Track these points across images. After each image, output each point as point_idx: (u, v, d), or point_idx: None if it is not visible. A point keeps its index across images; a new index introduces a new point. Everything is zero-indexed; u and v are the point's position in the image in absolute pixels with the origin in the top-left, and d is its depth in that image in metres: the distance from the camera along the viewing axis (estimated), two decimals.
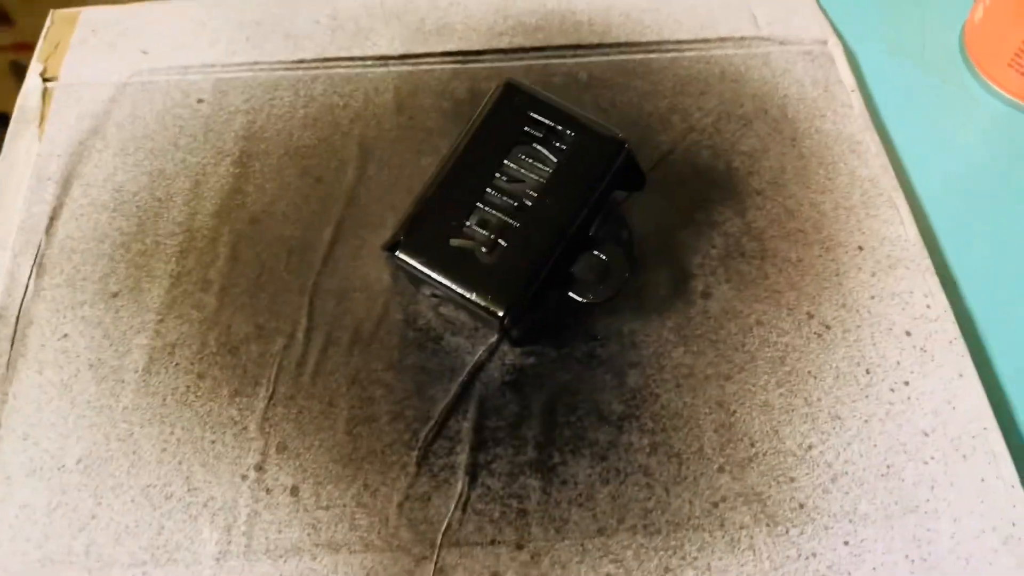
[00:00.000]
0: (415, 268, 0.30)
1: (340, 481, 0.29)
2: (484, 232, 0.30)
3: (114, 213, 0.35)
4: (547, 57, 0.40)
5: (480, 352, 0.32)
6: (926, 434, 0.30)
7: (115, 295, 0.33)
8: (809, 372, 0.32)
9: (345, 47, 0.40)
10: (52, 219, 0.35)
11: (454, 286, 0.29)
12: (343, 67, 0.40)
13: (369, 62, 0.40)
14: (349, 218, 0.35)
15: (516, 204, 0.30)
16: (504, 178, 0.30)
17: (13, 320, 0.32)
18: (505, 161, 0.31)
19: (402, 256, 0.30)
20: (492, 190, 0.30)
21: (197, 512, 0.28)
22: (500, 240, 0.29)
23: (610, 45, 0.41)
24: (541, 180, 0.30)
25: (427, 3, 0.42)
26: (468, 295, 0.29)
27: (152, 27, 0.41)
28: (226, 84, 0.39)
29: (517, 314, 0.29)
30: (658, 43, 0.41)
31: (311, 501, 0.29)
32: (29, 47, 0.40)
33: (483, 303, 0.29)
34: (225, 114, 0.38)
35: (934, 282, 0.34)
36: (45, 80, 0.39)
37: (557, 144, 0.31)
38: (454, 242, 0.29)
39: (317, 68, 0.40)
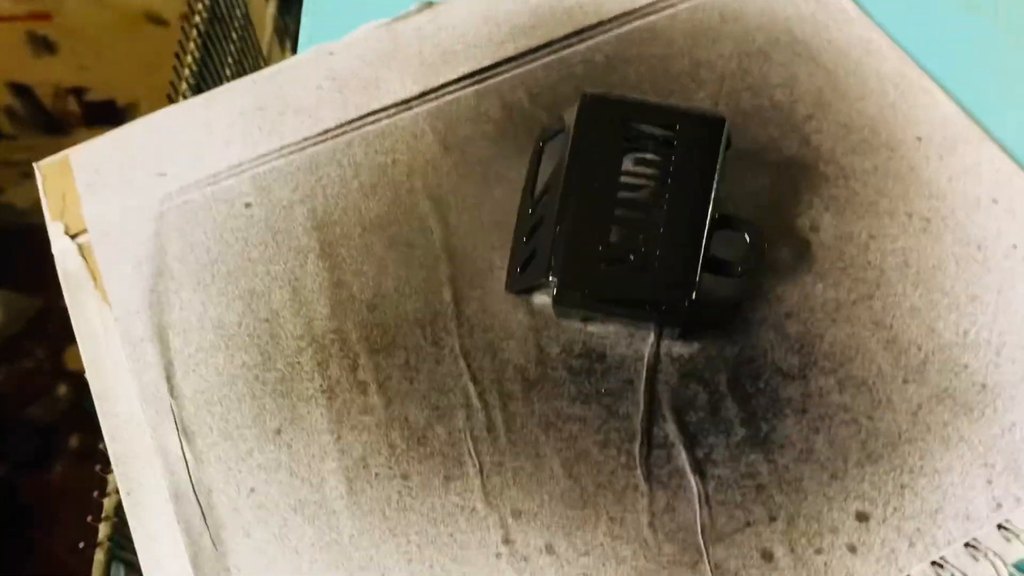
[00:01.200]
0: (586, 304, 0.31)
1: (586, 523, 0.30)
2: (630, 245, 0.30)
3: (229, 350, 0.34)
4: (557, 51, 0.40)
5: (647, 355, 0.33)
6: None
7: (278, 432, 0.32)
8: (933, 266, 0.34)
9: (363, 103, 0.39)
10: (169, 380, 0.33)
11: (622, 304, 0.30)
12: (371, 123, 0.39)
13: (392, 110, 0.39)
14: (459, 272, 0.35)
15: (648, 211, 0.31)
16: (627, 191, 0.31)
17: (192, 496, 0.31)
18: (621, 176, 0.31)
19: (568, 297, 0.30)
20: (620, 207, 0.31)
21: None
22: (642, 249, 0.30)
23: (609, 21, 0.41)
24: (663, 179, 0.31)
25: (414, 37, 0.41)
26: (643, 302, 0.30)
27: (155, 146, 0.39)
28: (265, 179, 0.37)
29: (692, 303, 0.30)
30: (651, 4, 0.41)
31: (570, 553, 0.29)
32: (45, 16, 0.36)
33: (663, 301, 0.30)
34: (281, 210, 0.36)
35: (993, 148, 0.36)
36: (73, 237, 0.36)
37: (662, 139, 0.31)
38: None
39: (346, 132, 0.38)
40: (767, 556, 0.29)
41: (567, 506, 0.30)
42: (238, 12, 0.58)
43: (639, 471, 0.31)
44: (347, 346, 0.33)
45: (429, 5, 0.42)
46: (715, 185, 0.31)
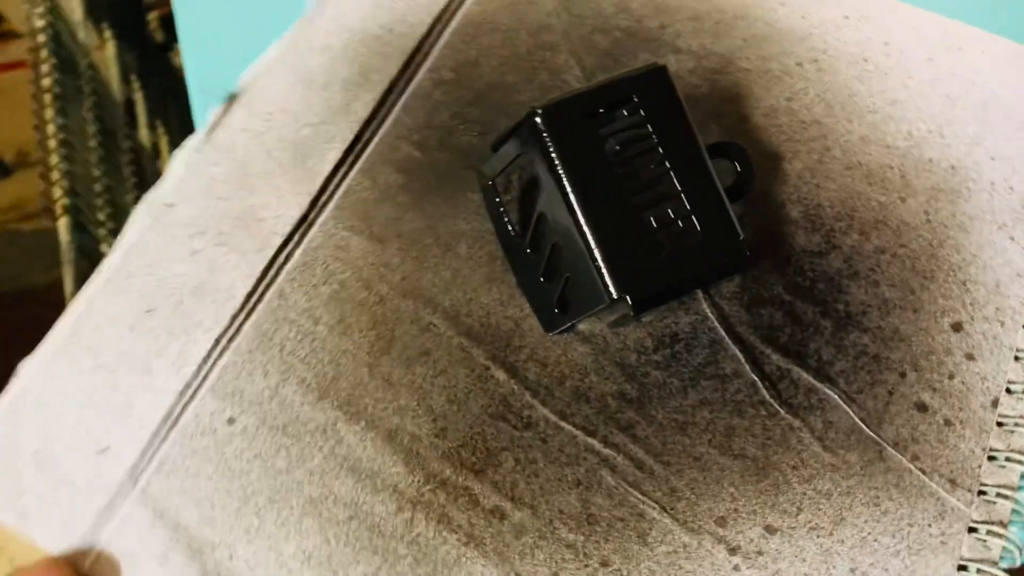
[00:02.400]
0: (659, 304, 0.29)
1: (778, 486, 0.30)
2: (666, 225, 0.29)
3: (338, 574, 0.29)
4: (404, 88, 0.37)
5: (708, 311, 0.32)
6: None
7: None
8: (848, 95, 0.36)
9: (261, 245, 0.34)
10: None
11: (692, 285, 0.30)
12: (286, 261, 0.34)
13: (296, 236, 0.34)
14: (492, 346, 0.32)
15: (660, 183, 0.30)
16: (629, 178, 0.30)
17: None
18: (616, 167, 0.30)
19: (645, 306, 0.29)
20: (634, 195, 0.29)
21: None
22: (679, 222, 0.29)
23: (427, 35, 0.38)
24: (653, 148, 0.30)
25: (251, 142, 0.36)
26: (709, 272, 0.30)
27: (61, 424, 0.31)
28: (226, 384, 0.31)
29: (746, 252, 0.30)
30: (450, 1, 0.39)
31: (787, 519, 0.29)
32: None
33: (727, 263, 0.30)
34: (271, 403, 0.31)
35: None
36: None
37: (629, 113, 0.30)
38: None
39: (269, 284, 0.33)
40: (921, 407, 0.31)
41: (753, 483, 0.30)
42: (82, 61, 0.53)
43: (782, 411, 0.31)
44: (450, 486, 0.30)
45: (234, 98, 0.37)
46: (695, 129, 0.30)
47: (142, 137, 0.65)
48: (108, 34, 0.66)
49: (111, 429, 0.31)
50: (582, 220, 0.29)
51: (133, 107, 0.67)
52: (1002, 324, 0.32)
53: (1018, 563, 0.29)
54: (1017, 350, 0.32)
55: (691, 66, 0.37)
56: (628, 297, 0.29)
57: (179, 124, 0.71)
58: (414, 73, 0.37)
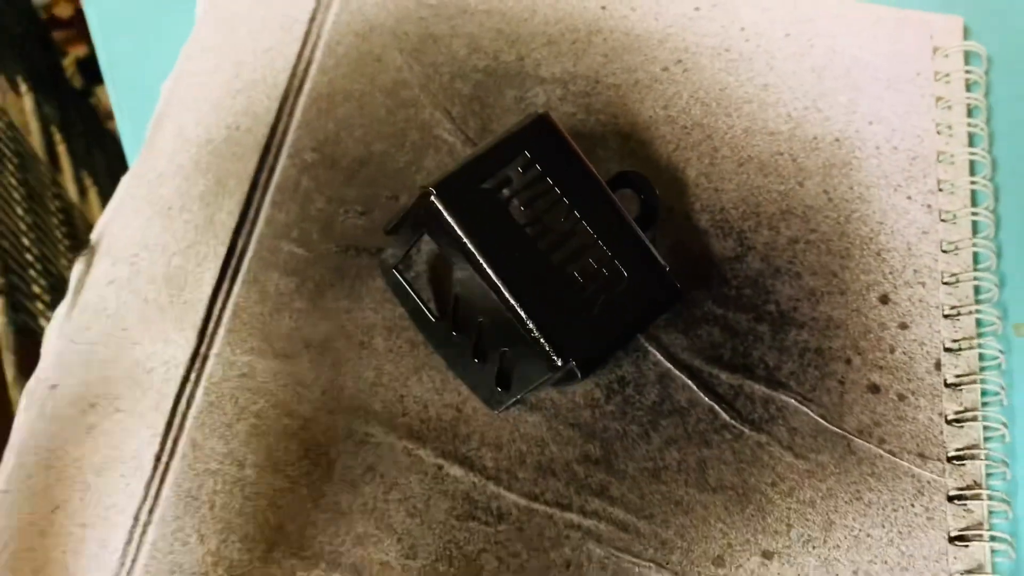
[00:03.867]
0: (605, 359, 0.28)
1: (763, 508, 0.29)
2: (591, 277, 0.28)
3: None
4: (267, 183, 0.34)
5: (647, 347, 0.31)
6: None
7: None
8: (720, 89, 0.36)
9: (159, 398, 0.30)
10: None
11: (634, 331, 0.28)
12: (190, 404, 0.30)
13: (195, 368, 0.31)
14: (440, 443, 0.30)
15: (574, 235, 0.28)
16: (542, 237, 0.28)
17: None
18: (526, 229, 0.28)
19: (592, 366, 0.28)
20: (552, 253, 0.28)
21: None
22: (603, 270, 0.28)
23: (276, 122, 0.35)
24: (557, 200, 0.28)
25: (122, 292, 0.32)
26: (648, 316, 0.28)
27: None
28: (158, 564, 0.28)
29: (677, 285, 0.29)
30: (292, 76, 0.36)
31: (779, 540, 0.29)
32: None
33: (661, 301, 0.29)
34: (216, 573, 0.28)
35: None
36: None
37: (524, 171, 0.28)
38: None
39: (179, 435, 0.30)
40: (873, 389, 0.31)
41: (739, 512, 0.29)
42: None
43: (746, 430, 0.30)
44: None
45: (91, 250, 0.33)
46: (592, 169, 0.29)
47: (69, 192, 0.61)
48: (24, 87, 0.61)
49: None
50: (506, 293, 0.27)
51: (57, 160, 0.62)
52: (923, 285, 0.32)
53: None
54: (943, 306, 0.32)
55: (560, 94, 0.36)
56: (574, 361, 0.27)
57: (106, 170, 0.66)
58: (274, 164, 0.34)
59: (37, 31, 0.75)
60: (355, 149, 0.35)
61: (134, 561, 0.28)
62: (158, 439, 0.30)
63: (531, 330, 0.27)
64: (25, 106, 0.65)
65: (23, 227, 0.51)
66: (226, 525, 0.28)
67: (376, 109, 0.35)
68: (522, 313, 0.27)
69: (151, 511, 0.29)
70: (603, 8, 0.38)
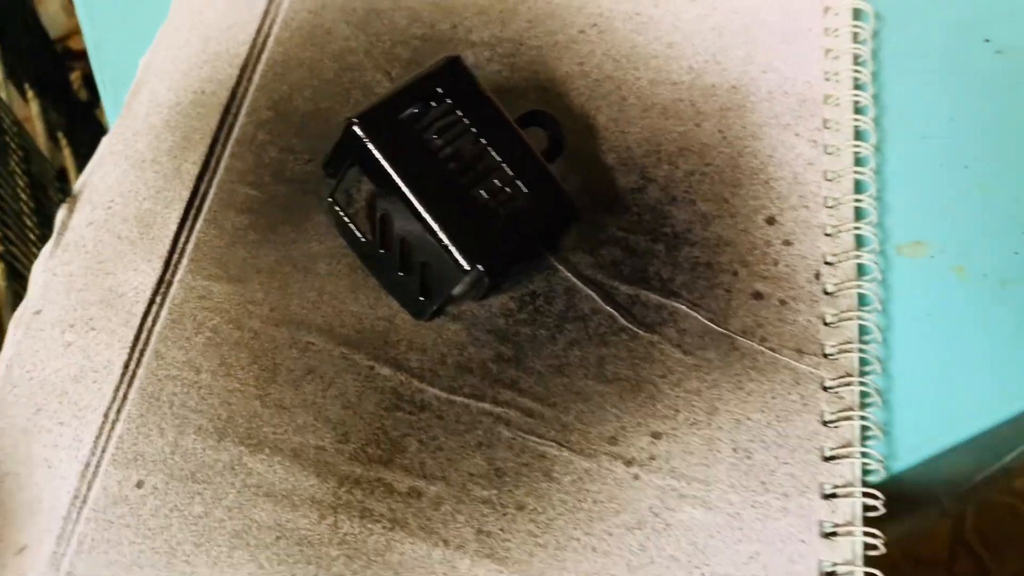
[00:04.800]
0: (509, 269, 0.32)
1: (654, 396, 0.33)
2: (497, 196, 0.32)
3: None
4: (226, 140, 0.39)
5: (559, 266, 0.35)
6: None
7: None
8: (631, 47, 0.40)
9: (126, 316, 0.35)
10: None
11: (535, 245, 0.33)
12: (155, 321, 0.35)
13: (161, 292, 0.35)
14: (375, 349, 0.34)
15: (483, 159, 0.32)
16: (454, 161, 0.32)
17: None
18: (440, 155, 0.32)
19: (500, 275, 0.32)
20: (461, 175, 0.32)
21: None
22: (506, 189, 0.32)
23: (237, 84, 0.40)
24: (468, 131, 0.33)
25: (131, 204, 0.37)
26: (548, 229, 0.33)
27: None
28: (126, 450, 0.32)
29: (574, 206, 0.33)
30: (252, 48, 0.41)
31: (669, 423, 0.32)
32: None
33: (560, 217, 0.33)
34: (174, 456, 0.32)
35: None
36: None
37: (439, 106, 0.33)
38: None
39: (141, 354, 0.34)
40: (757, 296, 0.35)
41: (632, 399, 0.33)
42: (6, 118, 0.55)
43: (640, 332, 0.34)
44: (364, 482, 0.32)
45: (73, 199, 0.38)
46: (499, 105, 0.33)
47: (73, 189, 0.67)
48: (31, 93, 0.67)
49: (24, 528, 0.31)
50: (420, 208, 0.31)
51: (63, 161, 0.68)
52: (807, 208, 0.36)
53: (882, 474, 0.32)
54: (824, 226, 0.36)
55: (488, 55, 0.40)
56: (480, 266, 0.31)
57: None
58: (234, 122, 0.39)
59: (45, 46, 0.81)
60: (305, 106, 0.39)
61: (103, 452, 0.32)
62: (126, 350, 0.34)
63: (441, 240, 0.31)
64: (32, 110, 0.70)
65: (26, 209, 0.56)
66: (183, 420, 0.33)
67: (324, 72, 0.40)
68: (435, 226, 0.31)
69: (119, 410, 0.33)
70: None
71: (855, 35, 0.40)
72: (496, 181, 0.32)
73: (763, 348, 0.34)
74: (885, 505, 0.31)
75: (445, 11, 0.41)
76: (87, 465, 0.32)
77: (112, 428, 0.33)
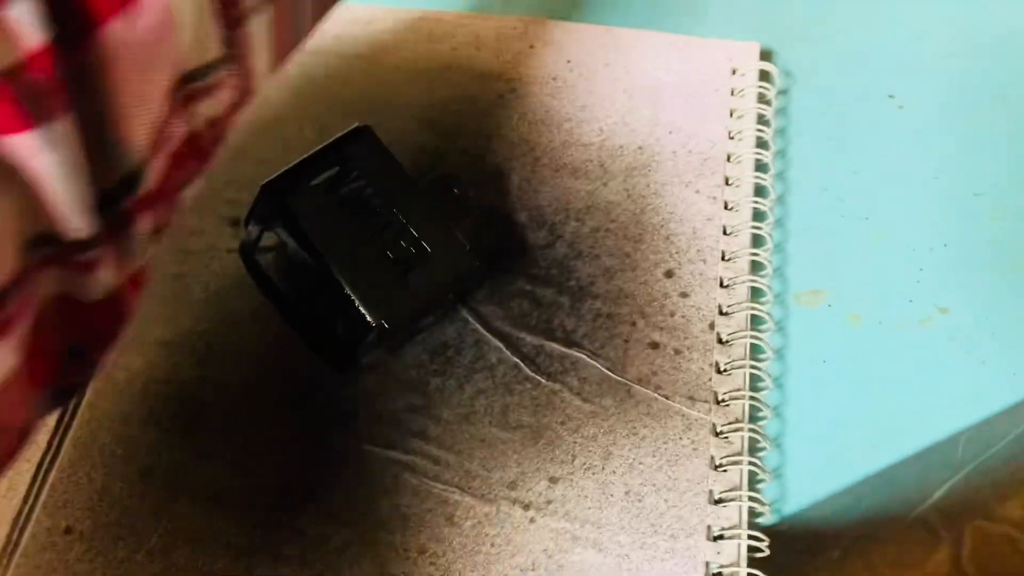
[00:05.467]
0: (413, 324, 0.35)
1: (553, 443, 0.35)
2: (402, 254, 0.35)
3: None
4: None
5: (469, 318, 0.38)
6: None
7: None
8: (546, 113, 0.43)
9: None
10: None
11: (442, 299, 0.35)
12: None
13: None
14: (310, 416, 0.36)
15: (388, 222, 0.35)
16: (361, 224, 0.35)
17: None
18: (350, 219, 0.35)
19: (400, 330, 0.34)
20: (368, 236, 0.35)
21: None
22: (411, 249, 0.35)
23: None
24: (374, 195, 0.35)
25: None
26: (452, 284, 0.35)
27: None
28: (55, 500, 0.34)
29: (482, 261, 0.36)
30: None
31: (566, 467, 0.34)
32: None
33: (465, 274, 0.35)
34: (100, 505, 0.34)
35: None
36: None
37: (348, 171, 0.35)
38: None
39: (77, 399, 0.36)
40: (653, 346, 0.37)
41: (532, 446, 0.35)
42: None
43: (543, 380, 0.36)
44: (276, 527, 0.34)
45: None
46: (405, 171, 0.36)
47: None
48: None
49: None
50: (333, 268, 0.34)
51: None
52: (704, 261, 0.39)
53: (771, 520, 0.34)
54: (720, 279, 0.38)
55: (413, 118, 0.43)
56: (384, 321, 0.33)
57: None
58: None
59: None
60: (235, 148, 0.42)
61: (36, 499, 0.34)
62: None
63: (350, 297, 0.34)
64: None
65: None
66: (111, 468, 0.35)
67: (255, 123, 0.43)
68: (343, 283, 0.34)
69: (52, 460, 0.35)
70: (454, 49, 0.45)
71: (760, 95, 0.43)
72: (402, 242, 0.35)
73: (657, 395, 0.36)
74: (782, 546, 0.33)
75: (377, 79, 0.44)
76: (19, 514, 0.34)
77: (45, 477, 0.35)
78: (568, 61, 0.44)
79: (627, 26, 0.46)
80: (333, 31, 0.45)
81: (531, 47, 0.45)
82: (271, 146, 0.42)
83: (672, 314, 0.37)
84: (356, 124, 0.36)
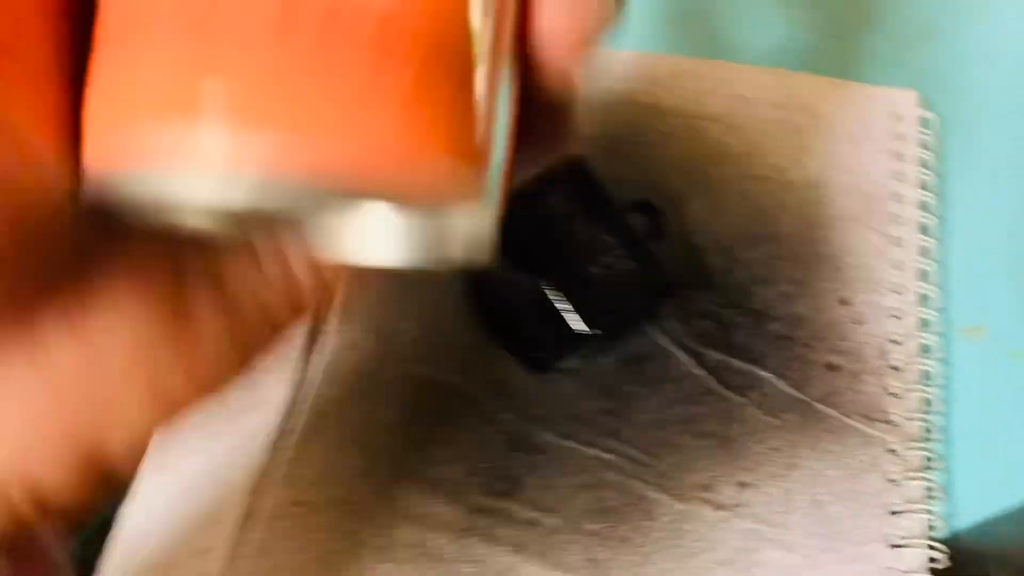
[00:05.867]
0: (620, 331, 0.38)
1: (740, 453, 0.38)
2: (610, 270, 0.38)
3: None
4: None
5: (658, 333, 0.41)
6: None
7: None
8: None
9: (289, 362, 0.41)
10: None
11: (646, 308, 0.38)
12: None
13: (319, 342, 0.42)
14: (491, 396, 0.40)
15: (597, 243, 0.39)
16: (576, 245, 0.39)
17: None
18: (562, 239, 0.38)
19: (613, 337, 0.37)
20: (579, 255, 0.38)
21: None
22: (618, 266, 0.38)
23: None
24: (587, 217, 0.39)
25: None
26: (656, 299, 0.38)
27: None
28: (292, 473, 0.38)
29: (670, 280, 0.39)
30: None
31: (759, 473, 0.38)
32: None
33: (662, 290, 0.38)
34: (327, 485, 0.38)
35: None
36: None
37: (558, 197, 0.39)
38: None
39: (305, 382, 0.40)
40: (831, 368, 0.40)
41: (721, 454, 0.38)
42: None
43: (728, 394, 0.39)
44: (490, 511, 0.37)
45: None
46: (608, 196, 0.40)
47: None
48: None
49: (207, 535, 0.37)
50: (545, 282, 0.37)
51: None
52: (876, 292, 0.42)
53: (943, 534, 0.37)
54: (891, 309, 0.41)
55: (602, 147, 0.47)
56: (598, 330, 0.37)
57: None
58: None
59: None
60: None
61: (270, 473, 0.38)
62: (293, 388, 0.40)
63: (562, 310, 0.37)
64: None
65: None
66: (338, 451, 0.39)
67: None
68: (555, 298, 0.37)
69: (286, 438, 0.39)
70: (633, 85, 0.49)
71: (921, 140, 0.46)
72: (606, 260, 0.38)
73: (835, 413, 0.39)
74: (953, 560, 0.35)
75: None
76: (255, 485, 0.38)
77: (279, 454, 0.39)
78: (741, 99, 0.48)
79: (793, 69, 0.49)
80: None
81: (706, 85, 0.48)
82: None
83: (846, 339, 0.40)
84: (572, 154, 0.40)
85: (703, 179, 0.45)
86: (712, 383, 0.40)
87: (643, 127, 0.47)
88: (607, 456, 0.38)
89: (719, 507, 0.37)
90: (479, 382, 0.40)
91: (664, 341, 0.41)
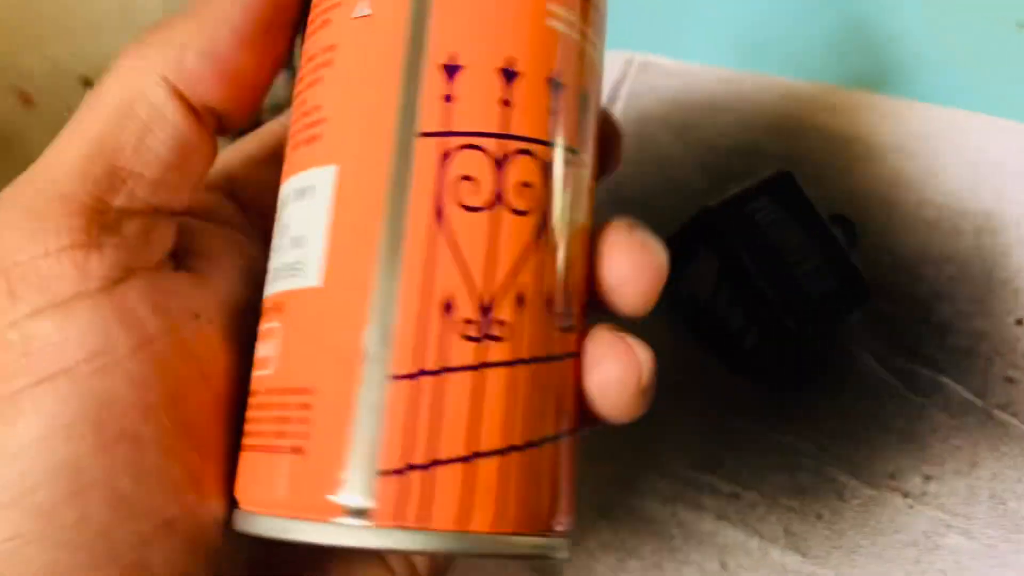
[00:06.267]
0: (829, 333, 0.42)
1: (925, 447, 0.42)
2: (818, 278, 0.42)
3: None
4: None
5: (847, 338, 0.45)
6: None
7: None
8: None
9: None
10: None
11: (848, 308, 0.43)
12: None
13: None
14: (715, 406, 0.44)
15: (803, 250, 0.43)
16: (781, 247, 0.43)
17: None
18: (769, 243, 0.43)
19: (826, 338, 0.42)
20: (789, 259, 0.43)
21: None
22: (819, 273, 0.43)
23: None
24: (792, 225, 0.43)
25: None
26: (857, 305, 0.43)
27: None
28: None
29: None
30: None
31: (943, 467, 0.41)
32: None
33: (861, 295, 0.43)
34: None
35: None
36: None
37: (771, 203, 0.44)
38: None
39: None
40: (1009, 380, 0.43)
41: (907, 447, 0.42)
42: None
43: (913, 396, 0.43)
44: (696, 484, 0.41)
45: None
46: (814, 209, 0.44)
47: None
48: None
49: None
50: (761, 285, 0.42)
51: None
52: None
53: None
54: None
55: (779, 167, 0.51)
56: (810, 329, 0.41)
57: None
58: None
59: None
60: (632, 195, 0.51)
61: None
62: None
63: (782, 315, 0.42)
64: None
65: None
66: None
67: (648, 170, 0.52)
68: (776, 302, 0.42)
69: None
70: (814, 112, 0.53)
71: None
72: (819, 272, 0.42)
73: (1014, 420, 0.42)
74: None
75: (744, 127, 0.53)
76: None
77: None
78: (913, 133, 0.52)
79: (953, 107, 0.53)
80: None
81: (880, 117, 0.53)
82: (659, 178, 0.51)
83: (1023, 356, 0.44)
84: (779, 169, 0.45)
85: (881, 202, 0.49)
86: (897, 386, 0.43)
87: (818, 149, 0.52)
88: (798, 443, 0.42)
89: (906, 495, 0.41)
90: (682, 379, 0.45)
91: (853, 345, 0.45)
